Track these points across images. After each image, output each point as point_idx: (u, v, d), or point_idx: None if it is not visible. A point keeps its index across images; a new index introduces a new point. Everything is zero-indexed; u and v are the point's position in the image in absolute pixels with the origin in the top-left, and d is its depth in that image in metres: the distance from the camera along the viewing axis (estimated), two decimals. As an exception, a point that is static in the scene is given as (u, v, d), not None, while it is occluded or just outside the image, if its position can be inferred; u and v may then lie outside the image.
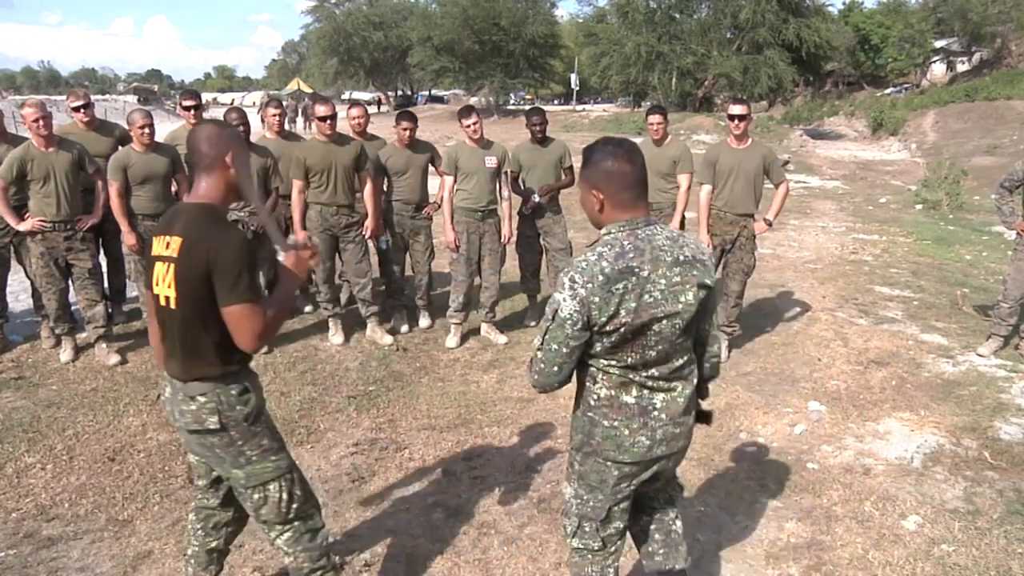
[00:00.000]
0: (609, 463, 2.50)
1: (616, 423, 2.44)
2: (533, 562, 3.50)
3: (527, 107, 13.12)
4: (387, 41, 54.69)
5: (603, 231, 2.41)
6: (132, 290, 6.74)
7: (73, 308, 6.07)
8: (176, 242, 2.46)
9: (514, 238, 6.67)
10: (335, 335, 6.38)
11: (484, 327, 6.54)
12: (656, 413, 2.44)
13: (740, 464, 4.40)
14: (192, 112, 6.27)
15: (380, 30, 54.67)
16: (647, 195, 2.45)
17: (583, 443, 2.53)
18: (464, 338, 6.47)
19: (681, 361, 2.47)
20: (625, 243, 2.34)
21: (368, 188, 6.11)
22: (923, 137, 28.41)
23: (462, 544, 3.63)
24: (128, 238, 5.82)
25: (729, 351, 6.13)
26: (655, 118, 6.43)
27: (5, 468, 4.26)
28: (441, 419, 5.01)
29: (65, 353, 5.89)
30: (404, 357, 6.11)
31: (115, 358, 5.79)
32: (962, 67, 47.08)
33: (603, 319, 2.30)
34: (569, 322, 2.31)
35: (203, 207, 2.54)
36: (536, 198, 6.45)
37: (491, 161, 6.13)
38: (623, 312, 2.29)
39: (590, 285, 2.28)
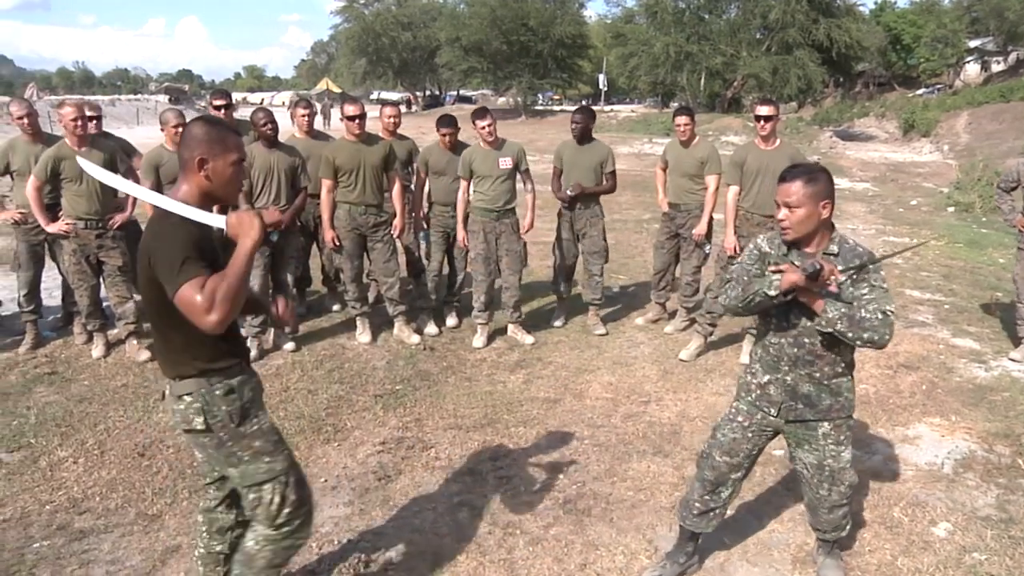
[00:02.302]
0: None
1: None
2: (558, 563, 3.49)
3: (554, 107, 13.10)
4: (416, 41, 54.86)
5: (835, 234, 2.98)
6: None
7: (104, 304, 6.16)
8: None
9: (531, 229, 6.61)
10: (362, 334, 6.41)
11: (511, 328, 6.54)
12: None
13: (767, 467, 4.36)
14: (223, 112, 6.33)
15: (409, 30, 54.84)
16: None
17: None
18: (491, 338, 6.48)
19: None
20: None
21: (396, 188, 6.15)
22: (956, 138, 27.98)
23: (487, 544, 3.63)
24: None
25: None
26: (682, 119, 6.39)
27: (39, 461, 4.33)
28: (467, 419, 5.02)
29: (97, 349, 5.98)
30: (431, 356, 6.13)
31: (145, 354, 5.86)
32: (997, 67, 46.27)
33: None
34: None
35: (159, 211, 2.45)
36: (568, 192, 6.43)
37: (506, 162, 6.13)
38: None
39: None
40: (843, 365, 3.04)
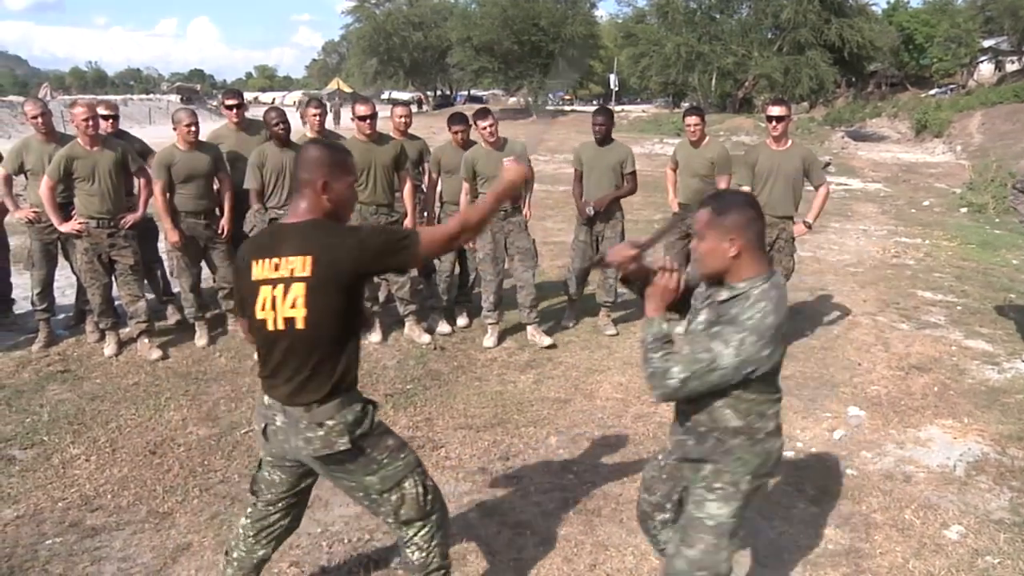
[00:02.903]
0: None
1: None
2: (568, 563, 3.49)
3: (565, 107, 13.09)
4: (427, 41, 54.87)
5: (745, 284, 2.44)
6: (174, 286, 6.85)
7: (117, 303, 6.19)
8: (299, 261, 2.46)
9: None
10: (373, 333, 6.41)
11: (530, 329, 6.46)
12: None
13: (777, 469, 4.35)
14: (234, 111, 6.37)
15: (420, 30, 54.84)
16: None
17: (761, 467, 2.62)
18: (501, 338, 6.47)
19: None
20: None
21: (407, 187, 6.16)
22: (969, 139, 27.84)
23: (497, 544, 3.63)
24: (171, 235, 5.92)
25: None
26: (692, 119, 6.38)
27: (52, 458, 4.36)
28: (478, 418, 5.02)
29: (108, 347, 6.01)
30: (441, 356, 6.13)
31: (157, 353, 5.89)
32: (1011, 67, 45.94)
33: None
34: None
35: (317, 222, 2.55)
36: (590, 211, 6.40)
37: (509, 162, 6.11)
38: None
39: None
40: (724, 427, 2.54)
